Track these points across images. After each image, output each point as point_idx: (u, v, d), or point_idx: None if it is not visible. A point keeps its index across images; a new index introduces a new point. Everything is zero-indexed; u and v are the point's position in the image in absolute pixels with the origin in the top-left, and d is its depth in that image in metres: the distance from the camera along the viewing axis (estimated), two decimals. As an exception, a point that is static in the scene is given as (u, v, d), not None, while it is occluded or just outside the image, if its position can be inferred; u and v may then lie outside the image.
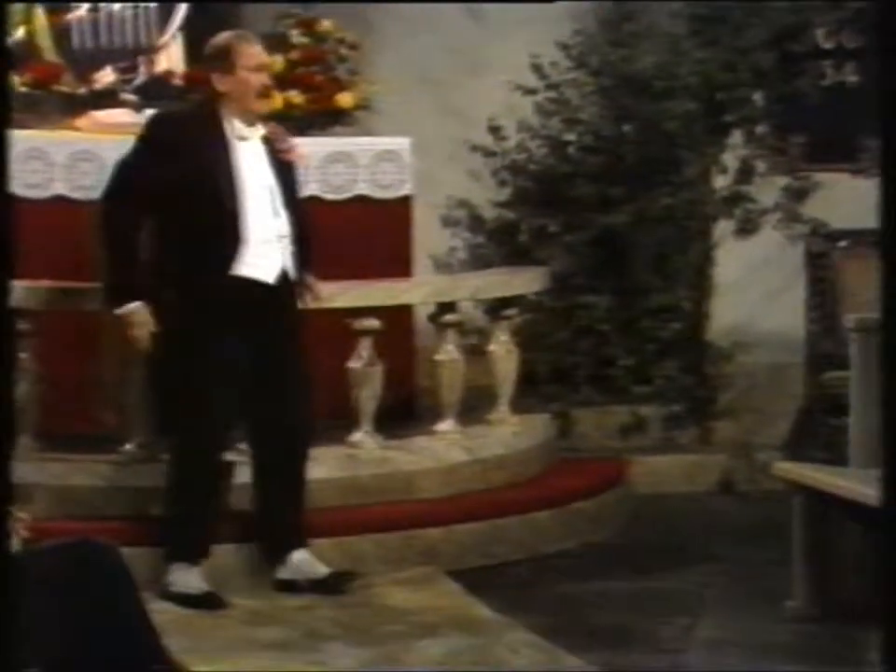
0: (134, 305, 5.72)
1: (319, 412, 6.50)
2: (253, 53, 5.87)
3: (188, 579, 5.76)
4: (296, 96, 7.40)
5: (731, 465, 8.03)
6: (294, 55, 7.57)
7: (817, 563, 5.97)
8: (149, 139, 5.87)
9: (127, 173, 5.85)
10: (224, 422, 5.84)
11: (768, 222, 8.32)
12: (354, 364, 6.69)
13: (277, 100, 7.28)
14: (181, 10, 7.51)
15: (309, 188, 6.97)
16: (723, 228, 8.40)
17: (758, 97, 8.35)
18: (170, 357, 5.79)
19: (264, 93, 5.87)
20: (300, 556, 5.95)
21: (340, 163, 7.17)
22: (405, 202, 7.32)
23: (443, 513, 6.56)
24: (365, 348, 6.71)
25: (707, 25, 8.29)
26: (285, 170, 5.93)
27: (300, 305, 6.01)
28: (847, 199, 8.49)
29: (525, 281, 7.32)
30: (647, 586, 6.29)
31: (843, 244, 8.36)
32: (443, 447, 6.89)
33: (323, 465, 6.45)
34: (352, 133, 7.54)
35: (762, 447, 7.89)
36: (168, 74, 7.42)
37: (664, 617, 5.89)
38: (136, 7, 7.50)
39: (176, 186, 5.69)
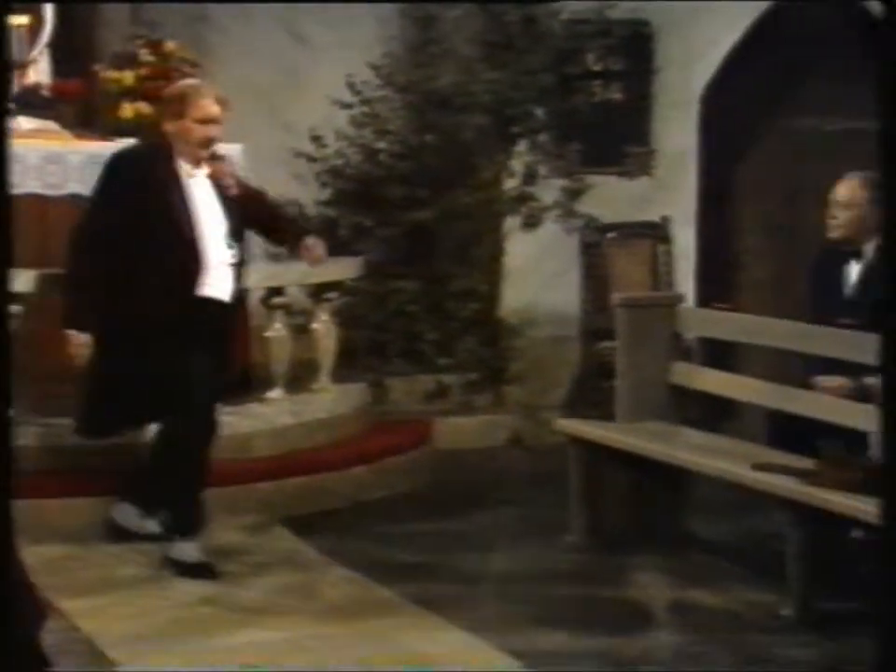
0: (81, 334, 5.56)
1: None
2: (203, 105, 5.64)
3: (187, 550, 5.57)
4: (145, 107, 7.30)
5: (519, 423, 8.10)
6: (143, 71, 7.47)
7: (590, 503, 6.07)
8: (111, 175, 5.66)
9: (92, 219, 5.65)
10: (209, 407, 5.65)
11: (549, 217, 8.37)
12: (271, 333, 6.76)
13: (127, 111, 7.21)
14: (48, 29, 7.35)
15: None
16: (512, 222, 8.43)
17: (540, 112, 8.38)
18: (127, 359, 5.59)
19: (205, 144, 5.63)
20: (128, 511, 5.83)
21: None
22: (239, 200, 7.27)
23: (274, 469, 6.54)
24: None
25: (497, 50, 8.29)
26: (229, 204, 5.73)
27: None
28: (614, 197, 8.63)
29: (344, 269, 7.30)
30: (449, 527, 6.31)
31: (611, 235, 8.53)
32: (273, 412, 6.86)
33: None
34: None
35: (545, 407, 7.97)
36: (37, 86, 7.28)
37: (463, 552, 5.91)
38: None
39: (139, 217, 5.52)
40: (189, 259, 5.56)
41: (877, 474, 4.93)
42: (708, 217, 9.35)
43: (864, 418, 5.29)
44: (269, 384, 6.97)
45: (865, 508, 4.71)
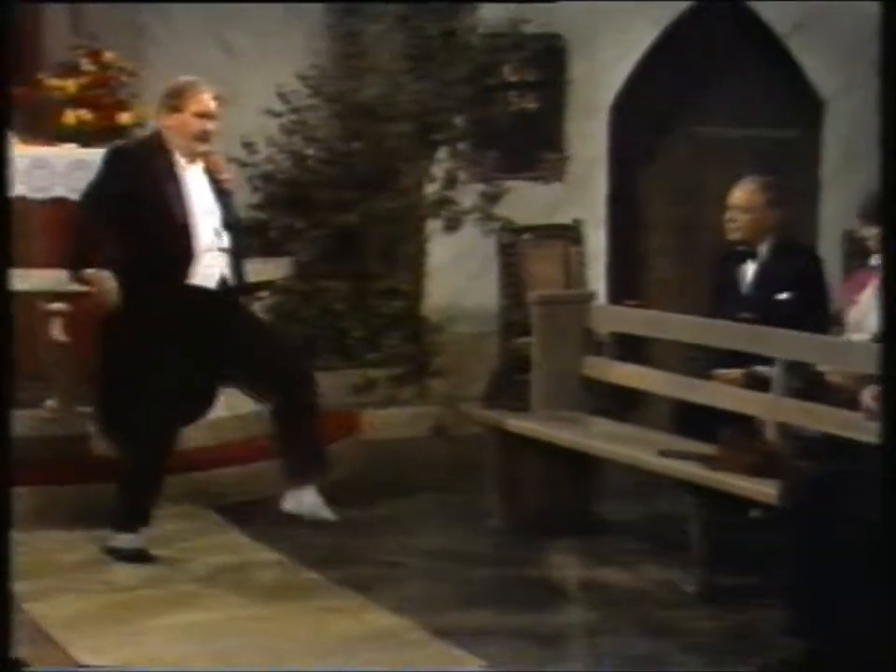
0: (100, 272, 5.45)
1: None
2: (201, 100, 5.58)
3: (127, 540, 5.55)
4: (85, 114, 7.27)
5: (442, 414, 8.10)
6: (84, 80, 7.43)
7: (508, 489, 6.10)
8: (105, 168, 5.58)
9: (92, 191, 5.58)
10: (174, 403, 5.55)
11: (468, 220, 8.38)
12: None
13: (70, 117, 7.18)
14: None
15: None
16: (434, 225, 8.45)
17: (460, 120, 8.40)
18: (123, 351, 5.50)
19: (202, 137, 5.56)
20: (310, 498, 5.69)
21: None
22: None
23: (210, 459, 6.51)
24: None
25: (419, 63, 8.31)
26: (223, 196, 5.66)
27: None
28: (530, 201, 8.70)
29: (275, 269, 7.26)
30: (376, 513, 6.31)
31: (527, 236, 8.57)
32: (209, 405, 6.87)
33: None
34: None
35: (466, 399, 7.98)
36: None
37: (389, 536, 5.94)
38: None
39: (133, 206, 5.44)
40: (181, 244, 5.47)
41: (773, 458, 5.07)
42: (618, 219, 9.46)
43: (758, 405, 5.40)
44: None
45: (762, 489, 4.79)
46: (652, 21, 9.30)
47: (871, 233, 5.71)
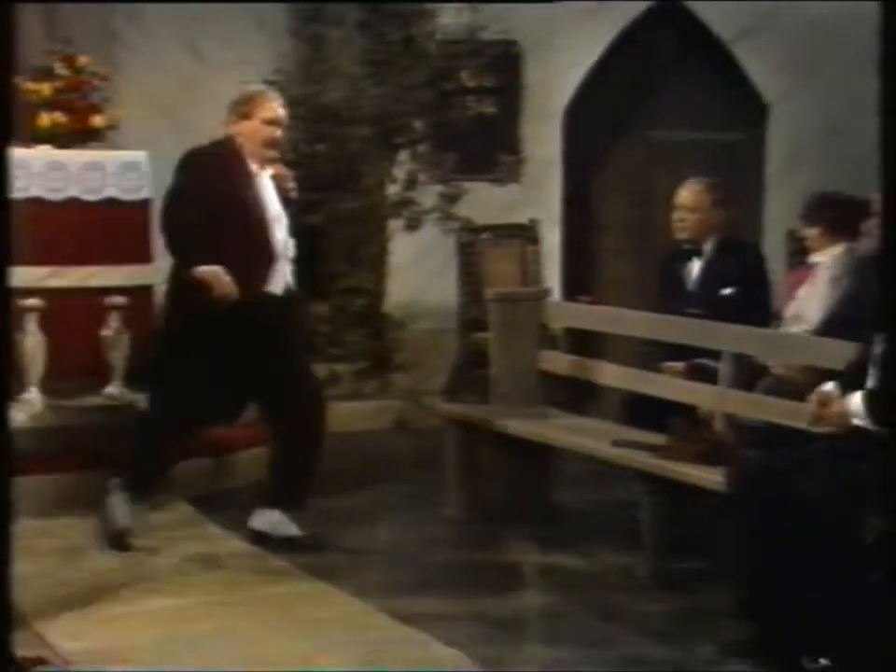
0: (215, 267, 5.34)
1: (83, 369, 6.46)
2: (270, 108, 5.54)
3: (119, 508, 5.53)
4: (59, 117, 7.23)
5: (404, 408, 8.11)
6: (58, 84, 7.41)
7: (468, 479, 6.12)
8: (185, 172, 5.50)
9: (174, 196, 5.49)
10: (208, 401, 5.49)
11: (429, 220, 8.37)
12: (106, 332, 6.65)
13: (45, 120, 7.16)
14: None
15: (71, 190, 6.87)
16: (395, 225, 8.44)
17: (420, 124, 8.40)
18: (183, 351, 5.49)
19: (271, 144, 5.51)
20: (276, 517, 5.64)
21: (95, 171, 7.01)
22: (145, 203, 7.22)
23: (182, 452, 6.41)
24: (115, 319, 6.65)
25: (381, 68, 8.30)
26: (287, 204, 5.60)
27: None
28: (487, 201, 8.72)
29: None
30: (339, 503, 6.31)
31: (485, 236, 8.61)
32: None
33: (86, 411, 6.40)
34: (103, 148, 7.42)
35: (427, 393, 7.99)
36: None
37: (352, 525, 5.94)
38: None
39: (215, 210, 5.36)
40: (260, 253, 5.43)
41: (719, 446, 5.12)
42: (572, 219, 9.51)
43: (706, 397, 5.45)
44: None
45: (710, 477, 4.85)
46: (604, 28, 9.36)
47: (811, 233, 5.81)
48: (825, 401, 4.36)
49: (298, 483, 5.66)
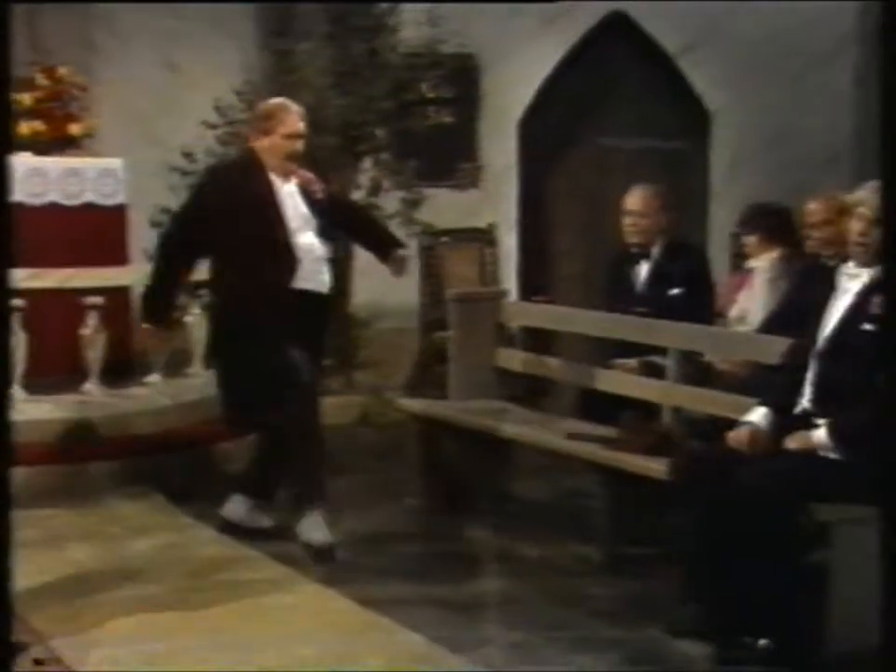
0: (156, 327, 5.51)
1: (62, 367, 6.43)
2: (291, 122, 5.46)
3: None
4: (39, 125, 7.24)
5: (368, 403, 8.08)
6: (39, 94, 7.40)
7: (429, 471, 6.12)
8: (204, 185, 5.53)
9: (179, 218, 5.53)
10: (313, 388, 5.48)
11: (392, 224, 8.38)
12: (84, 331, 6.64)
13: (25, 129, 7.14)
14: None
15: (50, 196, 6.87)
16: (360, 229, 8.50)
17: (382, 133, 8.40)
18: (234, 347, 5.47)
19: (292, 157, 5.45)
20: (247, 506, 5.63)
21: (73, 177, 7.01)
22: (121, 208, 7.23)
23: (153, 445, 6.48)
24: (93, 319, 6.66)
25: (345, 79, 8.28)
26: (317, 207, 5.54)
27: None
28: (447, 207, 8.75)
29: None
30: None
31: (445, 239, 8.66)
32: (152, 394, 6.86)
33: (62, 409, 6.39)
34: (81, 155, 7.42)
35: (389, 389, 7.98)
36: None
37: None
38: None
39: (231, 221, 5.34)
40: (283, 255, 5.40)
41: (667, 439, 5.17)
42: (528, 223, 9.57)
43: (654, 392, 5.50)
44: (148, 369, 6.98)
45: (657, 467, 4.88)
46: (557, 42, 9.43)
47: (749, 241, 5.89)
48: (756, 439, 4.35)
49: (278, 477, 5.60)
